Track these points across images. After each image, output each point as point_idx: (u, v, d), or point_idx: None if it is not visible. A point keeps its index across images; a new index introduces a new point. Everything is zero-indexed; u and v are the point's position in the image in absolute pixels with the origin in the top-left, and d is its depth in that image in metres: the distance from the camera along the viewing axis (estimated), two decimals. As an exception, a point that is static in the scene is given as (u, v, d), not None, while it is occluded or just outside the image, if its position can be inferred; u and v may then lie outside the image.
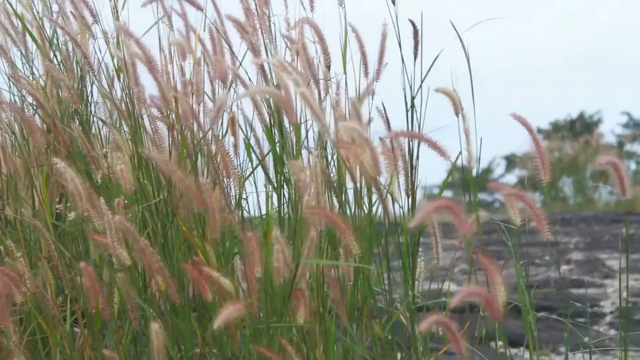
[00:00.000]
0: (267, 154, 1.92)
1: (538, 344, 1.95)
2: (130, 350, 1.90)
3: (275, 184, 1.85)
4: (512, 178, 18.08)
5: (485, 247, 1.82)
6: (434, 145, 1.52)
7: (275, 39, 1.92)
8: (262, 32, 1.90)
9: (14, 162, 2.20)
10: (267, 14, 1.90)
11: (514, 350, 3.34)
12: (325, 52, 1.82)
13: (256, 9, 1.89)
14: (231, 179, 1.71)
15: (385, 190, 1.58)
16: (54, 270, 2.05)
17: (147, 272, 1.69)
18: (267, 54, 1.92)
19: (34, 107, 2.13)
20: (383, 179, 1.55)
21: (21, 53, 2.15)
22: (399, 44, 1.83)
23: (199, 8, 1.88)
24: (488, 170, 17.12)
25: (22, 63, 2.18)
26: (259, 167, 1.91)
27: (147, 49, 1.69)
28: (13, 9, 2.13)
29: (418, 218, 1.25)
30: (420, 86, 1.82)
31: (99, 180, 1.87)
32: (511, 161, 16.82)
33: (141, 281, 1.84)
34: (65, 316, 1.98)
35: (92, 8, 1.93)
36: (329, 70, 1.84)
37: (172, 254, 1.80)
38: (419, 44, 1.83)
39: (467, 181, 1.79)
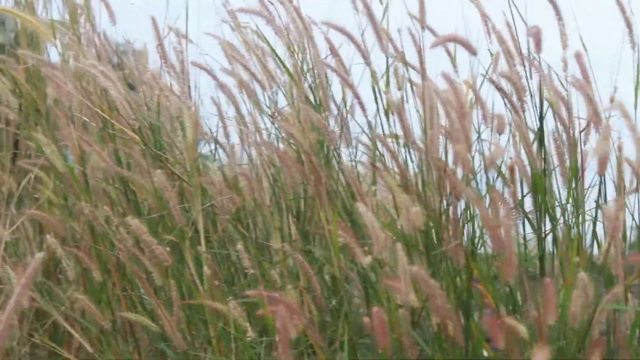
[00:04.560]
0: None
1: None
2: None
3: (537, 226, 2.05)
4: None
5: None
6: None
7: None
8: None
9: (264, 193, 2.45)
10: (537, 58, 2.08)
11: None
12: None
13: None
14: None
15: None
16: (315, 301, 2.27)
17: (436, 316, 1.88)
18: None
19: (288, 141, 2.35)
20: None
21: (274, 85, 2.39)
22: None
23: (473, 52, 2.05)
24: None
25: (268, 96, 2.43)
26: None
27: (462, 97, 1.87)
28: (267, 43, 2.37)
29: None
30: None
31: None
32: None
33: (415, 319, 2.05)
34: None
35: (364, 50, 2.16)
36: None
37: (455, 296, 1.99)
38: None
39: None
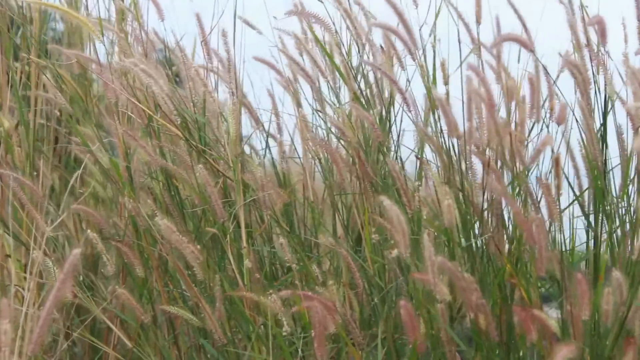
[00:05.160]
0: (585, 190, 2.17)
1: None
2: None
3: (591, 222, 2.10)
4: None
5: None
6: None
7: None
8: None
9: (314, 189, 2.54)
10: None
11: None
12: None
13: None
14: (554, 220, 1.95)
15: None
16: (358, 297, 2.35)
17: (467, 309, 1.94)
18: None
19: (338, 137, 2.43)
20: None
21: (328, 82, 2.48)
22: None
23: (530, 50, 2.13)
24: None
25: (328, 89, 2.51)
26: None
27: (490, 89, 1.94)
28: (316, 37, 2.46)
29: None
30: None
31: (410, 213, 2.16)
32: None
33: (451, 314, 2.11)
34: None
35: (410, 46, 2.24)
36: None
37: (490, 291, 2.06)
38: None
39: None
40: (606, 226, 2.13)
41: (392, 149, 2.42)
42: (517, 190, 2.13)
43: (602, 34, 2.17)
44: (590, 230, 2.17)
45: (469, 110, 2.06)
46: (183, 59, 2.60)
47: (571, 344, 1.66)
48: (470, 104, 2.05)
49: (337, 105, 2.48)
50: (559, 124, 2.12)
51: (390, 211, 1.91)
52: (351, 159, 2.38)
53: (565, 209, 2.17)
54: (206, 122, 2.50)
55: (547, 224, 2.02)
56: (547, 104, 2.25)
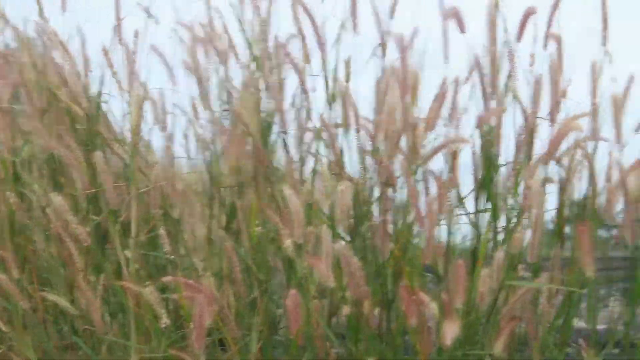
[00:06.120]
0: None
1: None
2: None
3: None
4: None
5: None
6: None
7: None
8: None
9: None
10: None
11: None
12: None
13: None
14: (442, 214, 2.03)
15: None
16: (235, 290, 2.38)
17: (352, 294, 2.00)
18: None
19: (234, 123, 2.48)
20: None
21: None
22: None
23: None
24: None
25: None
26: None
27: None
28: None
29: None
30: None
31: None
32: None
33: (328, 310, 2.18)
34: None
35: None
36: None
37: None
38: None
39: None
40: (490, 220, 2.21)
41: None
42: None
43: (521, 27, 2.22)
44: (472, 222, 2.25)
45: (379, 99, 2.11)
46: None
47: (455, 322, 1.74)
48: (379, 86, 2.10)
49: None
50: (478, 127, 2.18)
51: (290, 199, 1.97)
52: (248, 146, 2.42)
53: (462, 199, 2.25)
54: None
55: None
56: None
